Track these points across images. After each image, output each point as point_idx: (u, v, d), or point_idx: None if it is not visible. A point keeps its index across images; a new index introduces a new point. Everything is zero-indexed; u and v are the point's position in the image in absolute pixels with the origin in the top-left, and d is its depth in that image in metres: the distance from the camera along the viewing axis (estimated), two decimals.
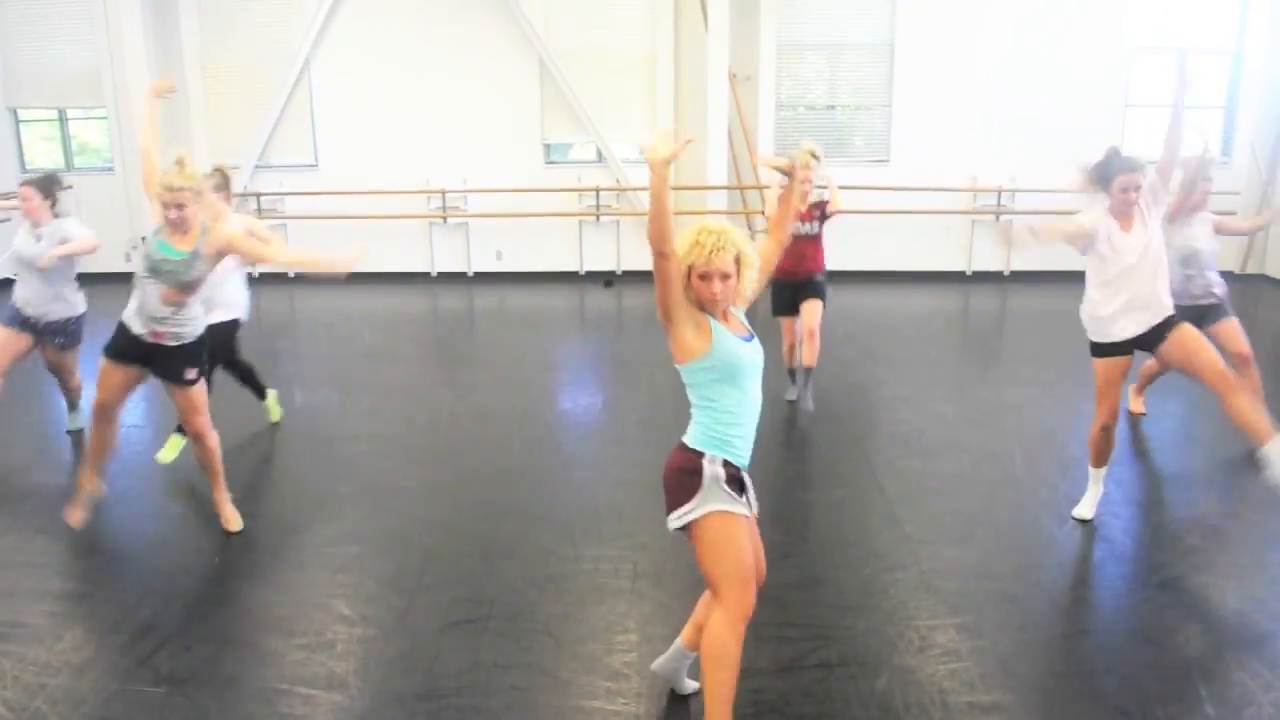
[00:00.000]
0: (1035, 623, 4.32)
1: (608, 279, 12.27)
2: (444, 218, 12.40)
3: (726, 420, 3.28)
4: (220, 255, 4.82)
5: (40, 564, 4.92)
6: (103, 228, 12.21)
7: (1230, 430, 7.03)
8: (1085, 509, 5.26)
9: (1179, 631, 4.21)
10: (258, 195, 12.33)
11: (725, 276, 3.13)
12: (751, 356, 3.27)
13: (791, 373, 7.14)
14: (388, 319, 10.79)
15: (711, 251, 3.08)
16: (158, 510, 5.64)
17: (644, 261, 11.28)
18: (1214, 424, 7.19)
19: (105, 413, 4.99)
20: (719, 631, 3.17)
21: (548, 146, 12.51)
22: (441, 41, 12.06)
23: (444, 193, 12.29)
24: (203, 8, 12.07)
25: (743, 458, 3.35)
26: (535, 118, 12.31)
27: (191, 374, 4.92)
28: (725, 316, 3.26)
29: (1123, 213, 4.92)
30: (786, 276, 6.57)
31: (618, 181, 12.21)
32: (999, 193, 11.98)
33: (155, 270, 4.68)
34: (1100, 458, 5.22)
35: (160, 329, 4.79)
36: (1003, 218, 12.07)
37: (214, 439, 5.15)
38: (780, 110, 12.32)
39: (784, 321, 7.08)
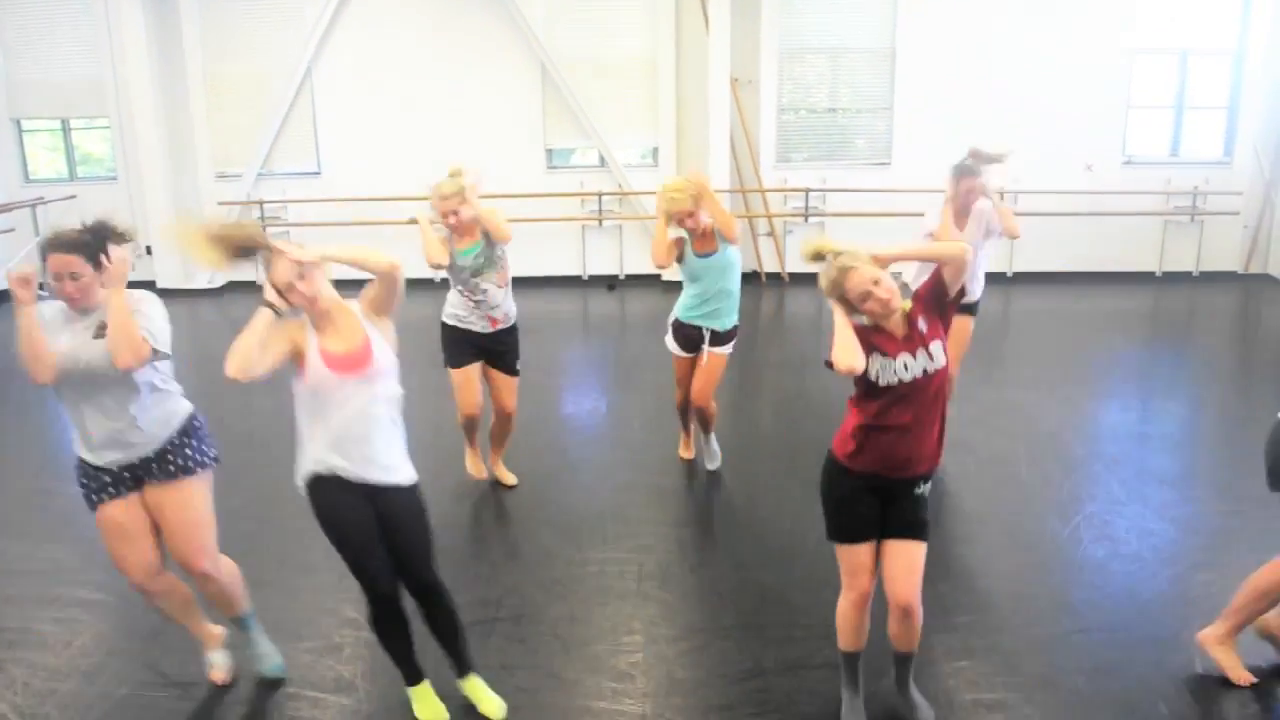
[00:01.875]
0: (1040, 621, 4.34)
1: (611, 283, 12.29)
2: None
3: (687, 300, 5.59)
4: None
5: (48, 570, 4.95)
6: None
7: (1233, 428, 7.06)
8: None
9: (1184, 630, 4.21)
10: (260, 203, 12.36)
11: (690, 213, 5.29)
12: (702, 267, 5.45)
13: (853, 660, 3.66)
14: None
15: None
16: None
17: (647, 265, 11.25)
18: (1216, 423, 7.21)
19: (474, 421, 5.69)
20: None
21: (550, 152, 12.52)
22: (442, 48, 12.09)
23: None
24: (205, 18, 12.10)
25: (699, 320, 5.55)
26: (537, 123, 12.33)
27: (517, 364, 5.66)
28: (701, 239, 5.41)
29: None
30: (869, 466, 3.42)
31: (620, 186, 12.23)
32: (1001, 194, 11.97)
33: (477, 270, 5.37)
34: None
35: (495, 315, 5.45)
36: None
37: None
38: (782, 114, 12.33)
39: (844, 556, 3.52)
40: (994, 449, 6.39)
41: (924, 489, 3.52)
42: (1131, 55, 11.98)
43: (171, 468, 3.64)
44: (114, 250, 3.46)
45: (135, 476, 3.62)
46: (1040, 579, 4.73)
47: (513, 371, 5.63)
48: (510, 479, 5.91)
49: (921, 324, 3.35)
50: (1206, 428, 7.22)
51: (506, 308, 5.49)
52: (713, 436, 6.06)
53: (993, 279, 11.82)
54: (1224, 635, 3.90)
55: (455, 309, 5.51)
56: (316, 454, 3.47)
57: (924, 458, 3.43)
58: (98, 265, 3.41)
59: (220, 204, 12.27)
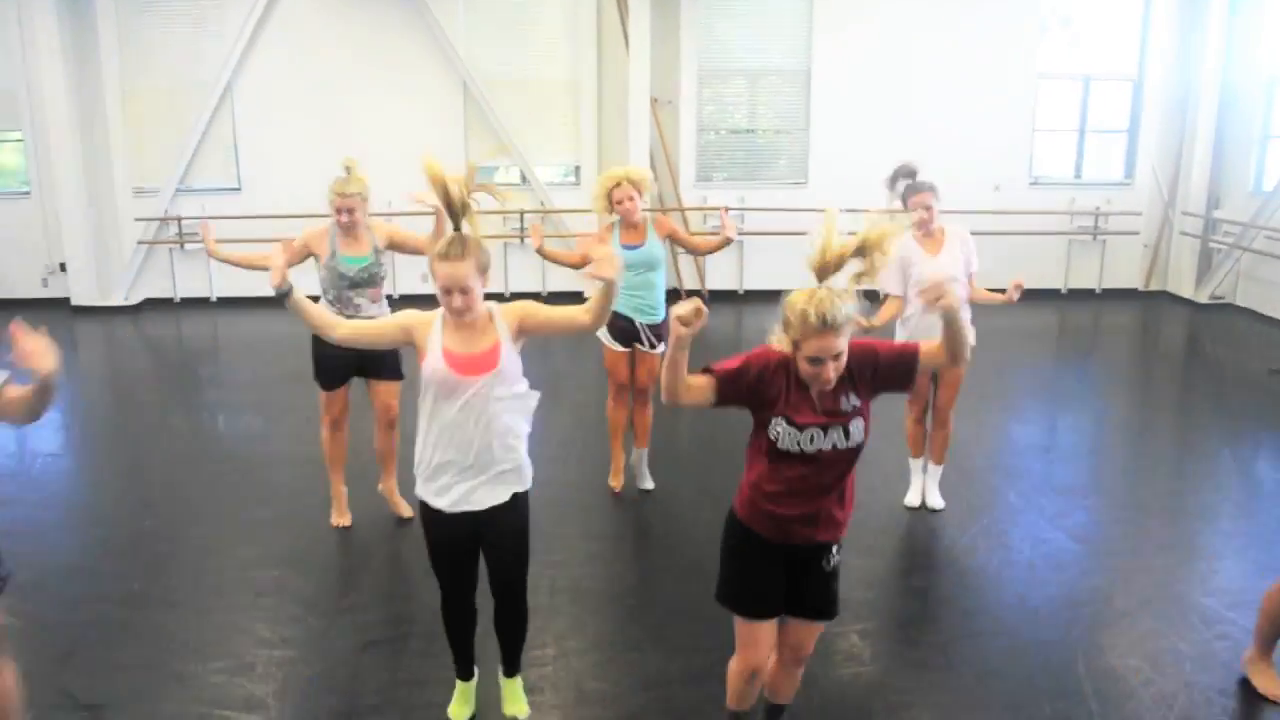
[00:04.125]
0: (936, 627, 4.53)
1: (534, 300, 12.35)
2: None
3: (625, 290, 5.36)
4: (390, 245, 5.45)
5: None
6: (19, 253, 12.14)
7: (1129, 439, 7.37)
8: (911, 497, 5.89)
9: (1070, 634, 4.44)
10: (179, 219, 12.23)
11: (631, 199, 5.51)
12: (630, 259, 5.46)
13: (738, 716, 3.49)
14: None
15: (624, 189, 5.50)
16: (77, 539, 5.63)
17: (569, 282, 11.28)
18: (1114, 435, 7.51)
19: (339, 426, 5.57)
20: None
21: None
22: (365, 65, 12.09)
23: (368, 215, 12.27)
24: (122, 30, 11.95)
25: (630, 312, 5.64)
26: (459, 141, 12.37)
27: (400, 366, 5.48)
28: (634, 230, 5.61)
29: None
30: (766, 529, 3.14)
31: (542, 204, 12.33)
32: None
33: (357, 283, 5.24)
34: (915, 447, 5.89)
35: None
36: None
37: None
38: (702, 134, 12.55)
39: (740, 627, 3.25)
40: (899, 464, 6.58)
41: (834, 561, 3.19)
42: (1037, 80, 12.42)
43: None
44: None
45: None
46: (937, 587, 4.93)
47: (395, 375, 5.54)
48: (406, 510, 5.63)
49: (850, 400, 2.98)
50: (1104, 440, 7.52)
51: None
52: (645, 453, 6.10)
53: None
54: (1255, 657, 4.03)
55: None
56: (424, 482, 3.48)
57: (825, 525, 3.11)
58: None
59: (137, 220, 12.12)
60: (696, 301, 2.80)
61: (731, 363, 3.02)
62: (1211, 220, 12.13)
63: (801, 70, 12.33)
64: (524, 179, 12.45)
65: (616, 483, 6.12)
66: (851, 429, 2.97)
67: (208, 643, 4.39)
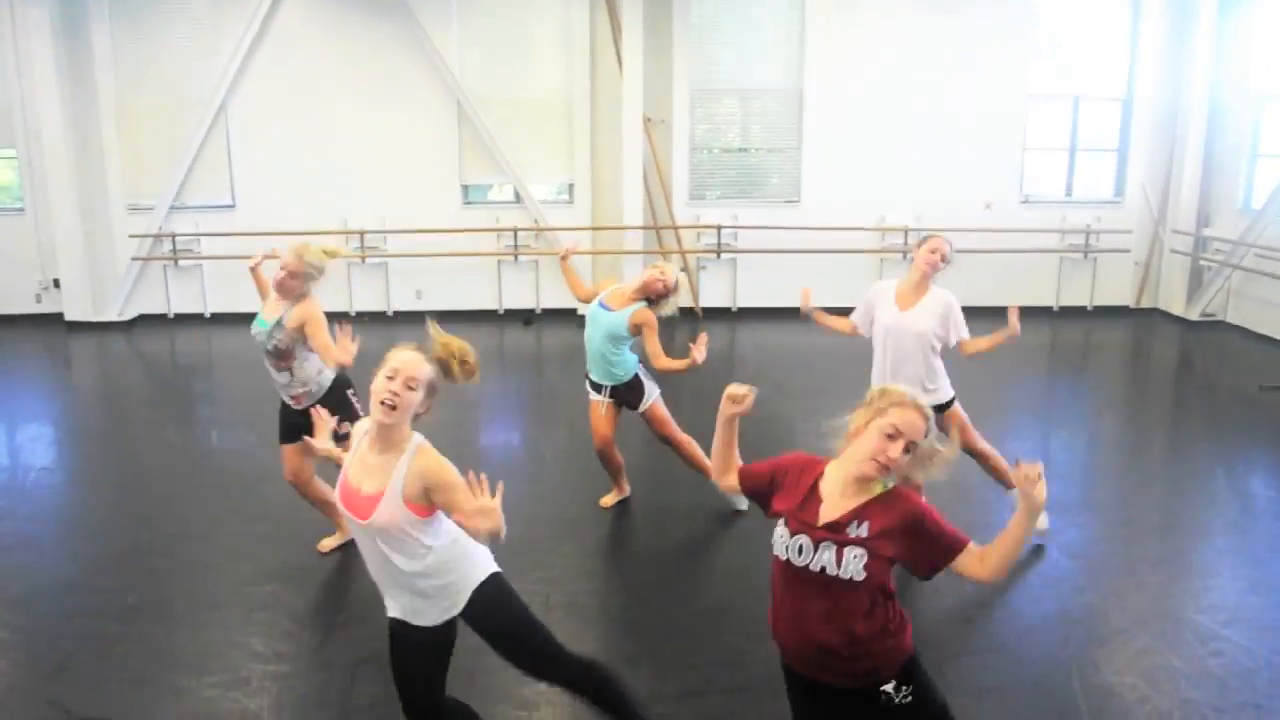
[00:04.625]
0: (932, 645, 4.52)
1: (527, 317, 12.38)
2: (363, 258, 12.43)
3: (590, 349, 5.76)
4: (300, 328, 5.15)
5: None
6: (13, 269, 12.12)
7: (1122, 457, 7.38)
8: None
9: (1065, 649, 4.45)
10: (173, 236, 12.24)
11: (661, 291, 5.60)
12: (592, 314, 5.71)
13: None
14: None
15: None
16: (70, 553, 5.61)
17: (562, 300, 11.28)
18: (1106, 452, 7.53)
19: (297, 486, 5.45)
20: None
21: (466, 187, 12.62)
22: (359, 83, 12.13)
23: (363, 233, 12.31)
24: (117, 48, 11.98)
25: (588, 366, 5.81)
26: (453, 159, 12.42)
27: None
28: (622, 298, 5.62)
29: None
30: (787, 657, 3.01)
31: (535, 222, 12.36)
32: (906, 232, 12.38)
33: (263, 345, 5.20)
34: None
35: (293, 393, 5.29)
36: (909, 256, 12.44)
37: None
38: (695, 152, 12.60)
39: None
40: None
41: (897, 699, 2.89)
42: (1027, 100, 12.50)
43: None
44: None
45: None
46: (930, 604, 4.93)
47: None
48: None
49: (858, 527, 2.74)
50: (1097, 456, 7.55)
51: (298, 390, 5.31)
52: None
53: None
54: None
55: None
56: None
57: (822, 666, 2.82)
58: None
59: (131, 236, 12.12)
60: (751, 387, 3.00)
61: (760, 465, 3.10)
62: (1202, 238, 12.21)
63: (793, 90, 12.39)
64: (518, 197, 12.48)
65: (606, 501, 6.13)
66: (845, 556, 2.70)
67: (202, 657, 4.38)
